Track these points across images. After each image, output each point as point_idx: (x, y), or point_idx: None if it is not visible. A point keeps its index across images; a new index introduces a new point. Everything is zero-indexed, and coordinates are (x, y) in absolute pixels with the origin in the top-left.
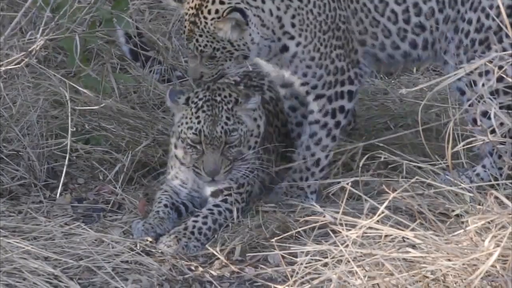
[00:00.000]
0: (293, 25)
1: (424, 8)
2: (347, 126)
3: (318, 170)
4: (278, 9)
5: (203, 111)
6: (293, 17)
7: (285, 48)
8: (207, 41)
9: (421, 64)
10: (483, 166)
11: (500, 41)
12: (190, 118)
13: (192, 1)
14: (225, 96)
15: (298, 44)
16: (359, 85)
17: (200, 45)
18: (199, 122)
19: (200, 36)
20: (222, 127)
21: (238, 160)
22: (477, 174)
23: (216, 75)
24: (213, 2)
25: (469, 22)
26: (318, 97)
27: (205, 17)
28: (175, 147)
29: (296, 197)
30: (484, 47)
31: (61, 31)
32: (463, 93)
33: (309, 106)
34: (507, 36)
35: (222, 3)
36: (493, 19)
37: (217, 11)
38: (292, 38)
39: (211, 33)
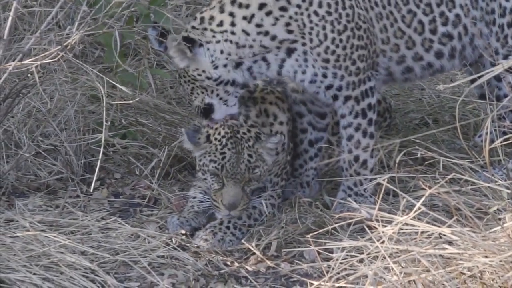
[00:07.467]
0: (289, 32)
1: (451, 16)
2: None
3: (369, 172)
4: (259, 25)
5: (229, 149)
6: (287, 24)
7: (291, 51)
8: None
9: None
10: None
11: None
12: (214, 154)
13: None
14: (244, 133)
15: (304, 44)
16: (374, 81)
17: (179, 75)
18: (223, 158)
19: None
20: (246, 165)
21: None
22: None
23: (201, 110)
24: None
25: (493, 11)
26: (346, 99)
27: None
28: None
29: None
30: None
31: (98, 26)
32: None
33: (339, 111)
34: None
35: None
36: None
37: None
38: (295, 41)
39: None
